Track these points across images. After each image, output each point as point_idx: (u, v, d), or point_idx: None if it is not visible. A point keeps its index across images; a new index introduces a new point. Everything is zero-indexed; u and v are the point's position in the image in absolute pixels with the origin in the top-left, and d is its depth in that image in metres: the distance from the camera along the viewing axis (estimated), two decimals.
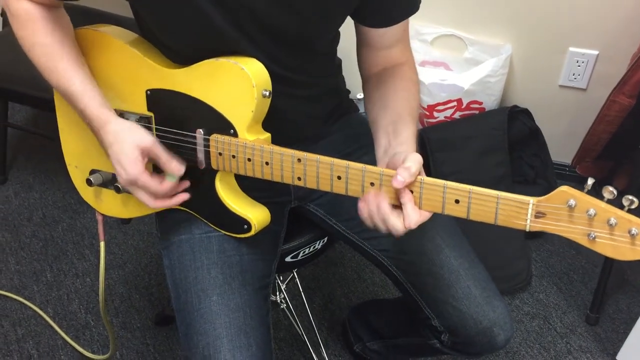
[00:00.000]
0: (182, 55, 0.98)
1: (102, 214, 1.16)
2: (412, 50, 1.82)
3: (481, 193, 0.84)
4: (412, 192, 0.87)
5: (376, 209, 0.86)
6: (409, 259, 1.07)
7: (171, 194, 0.99)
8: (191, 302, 0.98)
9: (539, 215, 0.83)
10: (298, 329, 1.61)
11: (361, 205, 0.88)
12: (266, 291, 1.05)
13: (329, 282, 1.81)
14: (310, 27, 0.97)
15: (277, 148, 0.95)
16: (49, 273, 1.82)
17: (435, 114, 1.93)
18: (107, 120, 0.95)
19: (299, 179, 0.95)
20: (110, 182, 1.10)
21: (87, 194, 1.15)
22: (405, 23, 1.05)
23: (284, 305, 1.58)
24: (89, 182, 1.09)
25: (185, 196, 1.00)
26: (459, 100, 1.89)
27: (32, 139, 2.26)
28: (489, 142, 1.88)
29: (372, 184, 0.90)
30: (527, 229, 0.85)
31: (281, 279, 1.57)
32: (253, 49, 0.94)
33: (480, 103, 1.91)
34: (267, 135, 0.99)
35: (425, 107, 1.92)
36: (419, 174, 0.86)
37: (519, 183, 1.92)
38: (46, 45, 0.96)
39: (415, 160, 0.84)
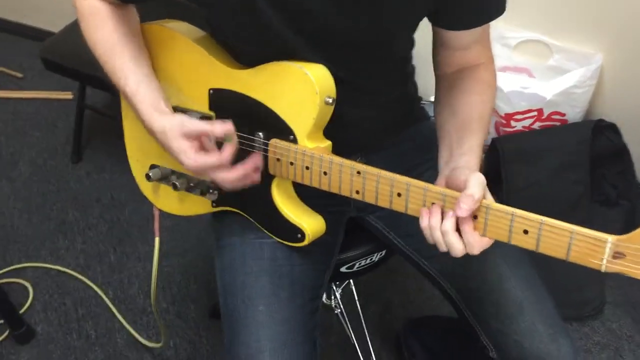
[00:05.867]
0: (247, 57, 0.95)
1: (159, 209, 1.15)
2: (493, 55, 1.69)
3: (554, 225, 0.77)
4: (476, 217, 0.81)
5: (438, 222, 0.80)
6: (469, 284, 1.01)
7: (242, 167, 0.92)
8: (237, 309, 0.96)
9: (617, 255, 0.75)
10: (350, 336, 1.57)
11: (424, 213, 0.82)
12: (315, 304, 1.01)
13: (388, 290, 1.75)
14: (379, 33, 0.92)
15: (337, 158, 0.91)
16: (113, 255, 1.86)
17: (513, 123, 1.83)
18: (152, 121, 0.93)
19: (357, 192, 0.91)
20: (168, 178, 1.09)
21: (145, 187, 1.15)
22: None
23: (338, 311, 1.54)
24: (147, 177, 1.08)
25: (257, 160, 0.94)
26: (540, 110, 1.79)
27: (109, 122, 2.32)
28: (569, 156, 1.76)
29: (433, 204, 0.84)
30: (603, 270, 0.77)
31: (337, 282, 1.53)
32: (316, 55, 0.90)
33: (563, 115, 1.80)
34: (328, 143, 0.95)
35: (503, 115, 1.82)
36: (485, 196, 0.79)
37: (599, 203, 1.79)
38: (106, 42, 0.96)
39: (477, 184, 0.78)
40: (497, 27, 1.83)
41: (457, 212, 0.78)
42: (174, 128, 0.90)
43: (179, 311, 1.71)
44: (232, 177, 0.91)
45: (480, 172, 0.85)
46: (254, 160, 0.93)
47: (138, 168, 1.14)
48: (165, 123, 0.92)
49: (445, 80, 1.02)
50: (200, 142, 0.92)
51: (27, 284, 1.76)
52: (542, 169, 1.76)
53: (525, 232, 0.79)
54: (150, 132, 0.95)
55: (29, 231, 1.93)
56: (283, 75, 0.92)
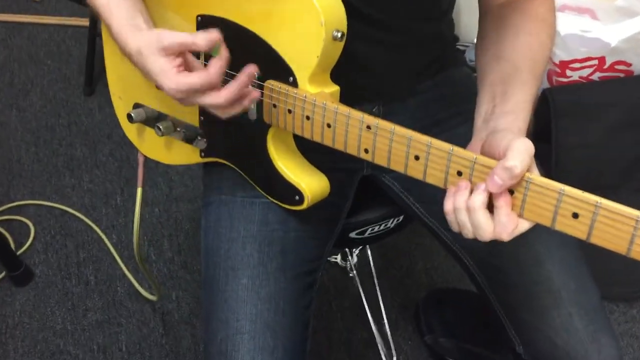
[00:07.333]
0: None
1: (144, 156, 1.01)
2: None
3: (614, 210, 0.60)
4: (512, 192, 0.64)
5: (464, 201, 0.64)
6: (498, 265, 0.84)
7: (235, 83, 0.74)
8: (217, 280, 0.82)
9: None
10: (363, 302, 1.43)
11: (450, 193, 0.66)
12: (310, 278, 0.86)
13: (410, 253, 1.60)
14: None
15: (343, 108, 0.73)
16: (119, 197, 1.75)
17: (569, 72, 1.60)
18: (127, 40, 0.75)
19: (366, 151, 0.74)
20: (153, 120, 0.94)
21: (129, 130, 1.00)
22: None
23: (352, 274, 1.40)
24: (129, 118, 0.93)
25: (257, 93, 0.76)
26: (602, 59, 1.55)
27: None
28: (631, 114, 1.54)
29: (459, 172, 0.67)
30: None
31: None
32: None
33: (629, 65, 1.56)
34: (335, 88, 0.77)
35: (557, 62, 1.59)
36: (529, 170, 0.62)
37: None
38: None
39: (522, 153, 0.60)
40: None
41: (488, 186, 0.61)
42: (151, 44, 0.73)
43: (185, 261, 1.59)
44: (223, 98, 0.73)
45: (528, 136, 0.67)
46: (247, 72, 0.73)
47: (121, 106, 0.99)
48: (140, 39, 0.74)
49: (491, 16, 0.83)
50: (185, 60, 0.74)
51: (29, 223, 1.66)
52: (599, 126, 1.54)
53: (575, 215, 0.62)
54: (126, 55, 0.78)
55: (35, 166, 1.82)
56: (283, 2, 0.74)
